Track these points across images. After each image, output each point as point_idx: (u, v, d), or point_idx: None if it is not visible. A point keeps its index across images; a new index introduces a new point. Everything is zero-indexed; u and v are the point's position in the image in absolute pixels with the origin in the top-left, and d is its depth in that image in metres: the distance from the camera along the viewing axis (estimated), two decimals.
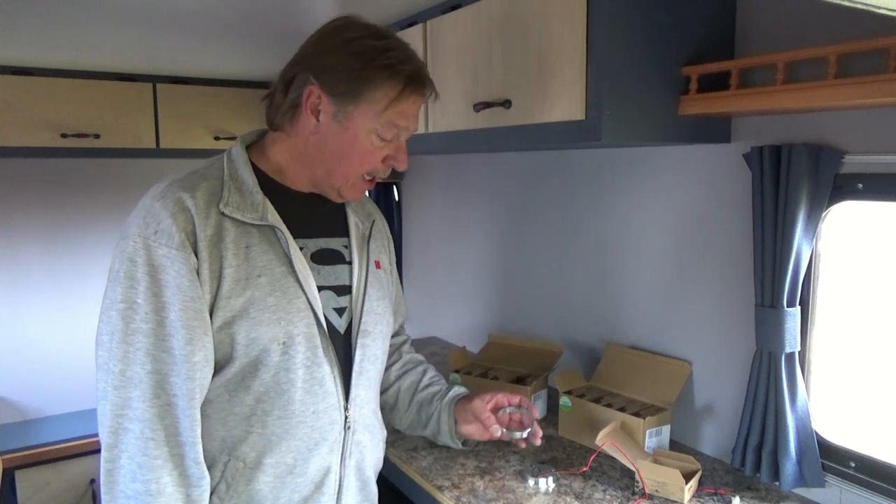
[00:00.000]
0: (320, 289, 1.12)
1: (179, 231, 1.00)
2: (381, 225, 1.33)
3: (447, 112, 1.57)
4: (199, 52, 2.19)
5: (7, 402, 2.76)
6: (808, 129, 1.25)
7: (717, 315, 1.47)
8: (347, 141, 1.09)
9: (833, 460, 1.28)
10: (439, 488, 1.33)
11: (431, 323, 2.55)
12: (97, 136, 2.48)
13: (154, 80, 2.60)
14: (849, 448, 1.26)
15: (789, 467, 1.27)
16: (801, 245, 1.22)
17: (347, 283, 1.17)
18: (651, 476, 1.29)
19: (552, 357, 1.79)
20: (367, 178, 1.15)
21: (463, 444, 1.34)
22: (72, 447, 2.55)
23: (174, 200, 1.02)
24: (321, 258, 1.15)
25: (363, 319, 1.17)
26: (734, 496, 1.29)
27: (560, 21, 1.23)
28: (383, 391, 1.38)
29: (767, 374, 1.28)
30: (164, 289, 0.99)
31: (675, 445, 1.54)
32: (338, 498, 1.16)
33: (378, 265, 1.25)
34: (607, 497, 1.30)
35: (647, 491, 1.29)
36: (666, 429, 1.49)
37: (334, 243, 1.19)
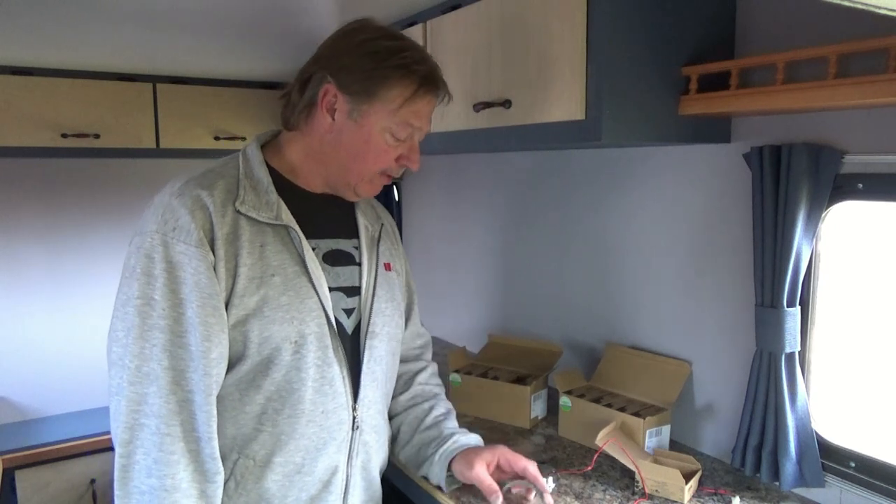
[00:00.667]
0: (331, 289, 1.13)
1: (198, 228, 1.01)
2: (390, 228, 1.34)
3: (447, 112, 1.57)
4: (199, 52, 2.19)
5: (7, 402, 2.76)
6: (808, 129, 1.25)
7: (717, 315, 1.47)
8: (362, 139, 1.10)
9: (833, 460, 1.28)
10: (439, 488, 1.33)
11: (431, 323, 2.55)
12: (97, 136, 2.47)
13: (154, 80, 2.60)
14: (849, 448, 1.26)
15: (789, 467, 1.27)
16: (801, 245, 1.22)
17: (357, 284, 1.19)
18: (651, 476, 1.29)
19: (552, 357, 1.79)
20: (382, 175, 1.16)
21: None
22: (72, 447, 2.55)
23: (192, 198, 1.03)
24: (332, 259, 1.16)
25: (371, 321, 1.18)
26: (734, 496, 1.29)
27: (560, 21, 1.23)
28: (388, 419, 1.35)
29: (767, 374, 1.28)
30: (181, 285, 1.00)
31: (675, 445, 1.54)
32: (344, 497, 1.17)
33: (388, 267, 1.26)
34: (607, 497, 1.30)
35: (647, 491, 1.29)
36: (666, 429, 1.49)
37: (345, 244, 1.20)
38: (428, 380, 1.42)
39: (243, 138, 2.71)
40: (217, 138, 2.68)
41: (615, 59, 1.18)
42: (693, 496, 1.30)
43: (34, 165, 2.75)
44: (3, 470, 2.42)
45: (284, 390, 1.08)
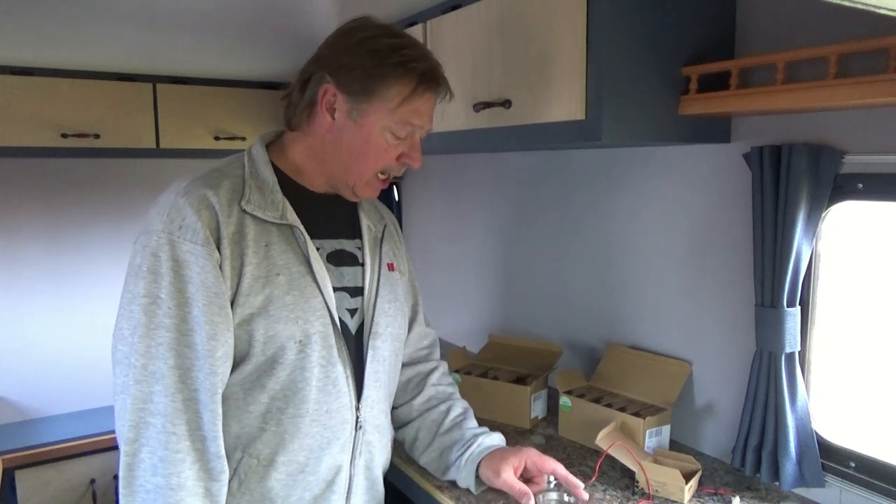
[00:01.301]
0: (335, 289, 1.13)
1: (204, 227, 1.01)
2: (393, 228, 1.34)
3: (447, 112, 1.57)
4: (199, 52, 2.19)
5: (7, 402, 2.76)
6: (808, 129, 1.25)
7: (717, 315, 1.47)
8: (362, 139, 1.10)
9: (833, 460, 1.28)
10: (439, 488, 1.33)
11: (432, 323, 2.54)
12: (97, 136, 2.47)
13: (154, 80, 2.60)
14: (849, 448, 1.26)
15: (789, 467, 1.27)
16: (801, 245, 1.22)
17: (360, 284, 1.19)
18: (651, 476, 1.29)
19: (552, 357, 1.79)
20: (382, 176, 1.16)
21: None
22: (72, 447, 2.55)
23: (198, 197, 1.04)
24: (336, 259, 1.17)
25: (374, 321, 1.19)
26: (734, 496, 1.29)
27: (560, 21, 1.23)
28: (404, 424, 1.36)
29: (767, 374, 1.28)
30: (187, 284, 1.00)
31: (675, 445, 1.54)
32: (347, 496, 1.17)
33: (391, 268, 1.26)
34: (607, 497, 1.30)
35: (650, 492, 1.29)
36: (666, 429, 1.49)
37: (348, 245, 1.20)
38: (440, 380, 1.41)
39: (243, 138, 2.71)
40: (217, 138, 2.68)
41: (615, 59, 1.18)
42: (693, 496, 1.30)
43: (34, 165, 2.75)
44: (3, 470, 2.42)
45: (289, 390, 1.08)
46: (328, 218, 1.19)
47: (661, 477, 1.28)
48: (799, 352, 1.27)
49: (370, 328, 1.18)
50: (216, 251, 1.02)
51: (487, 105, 1.39)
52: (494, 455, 1.25)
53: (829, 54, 1.04)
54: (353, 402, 1.15)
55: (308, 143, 1.15)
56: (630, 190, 1.66)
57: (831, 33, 1.13)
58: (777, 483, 1.30)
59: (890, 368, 1.28)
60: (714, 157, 1.44)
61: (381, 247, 1.25)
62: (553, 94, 1.26)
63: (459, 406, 1.37)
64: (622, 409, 1.49)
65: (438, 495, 1.32)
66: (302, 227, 1.10)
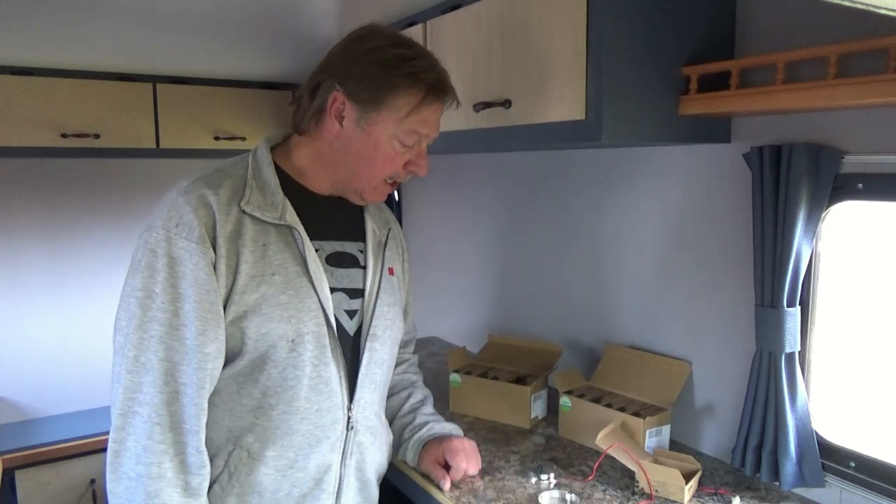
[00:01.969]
0: (333, 290, 1.14)
1: (200, 225, 1.03)
2: (397, 233, 1.36)
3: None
4: (199, 52, 2.19)
5: (7, 402, 2.76)
6: (808, 129, 1.25)
7: (717, 315, 1.47)
8: (370, 146, 1.12)
9: (833, 460, 1.28)
10: (439, 488, 1.33)
11: (431, 323, 2.55)
12: (97, 136, 2.47)
13: (154, 80, 2.60)
14: (849, 448, 1.26)
15: (789, 467, 1.27)
16: (801, 245, 1.22)
17: (360, 286, 1.20)
18: (651, 476, 1.29)
19: (552, 357, 1.79)
20: (389, 181, 1.18)
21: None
22: (72, 447, 2.55)
23: (197, 196, 1.06)
24: (336, 261, 1.18)
25: (373, 323, 1.20)
26: (734, 496, 1.29)
27: (560, 21, 1.23)
28: None
29: (767, 374, 1.28)
30: (180, 280, 1.02)
31: (675, 445, 1.54)
32: (337, 496, 1.18)
33: (391, 272, 1.28)
34: (607, 497, 1.30)
35: (651, 492, 1.29)
36: (666, 429, 1.49)
37: (350, 247, 1.21)
38: (406, 369, 1.48)
39: (243, 138, 2.71)
40: (217, 138, 2.68)
41: (615, 59, 1.18)
42: (693, 496, 1.30)
43: (34, 165, 2.75)
44: (3, 470, 2.42)
45: (280, 386, 1.09)
46: (331, 220, 1.20)
47: (661, 477, 1.28)
48: (799, 352, 1.27)
49: (368, 330, 1.19)
50: (211, 250, 1.04)
51: (487, 105, 1.39)
52: (432, 443, 1.36)
53: (829, 54, 1.04)
54: (345, 403, 1.16)
55: (315, 147, 1.17)
56: (630, 190, 1.66)
57: (831, 33, 1.13)
58: (777, 483, 1.30)
59: (890, 368, 1.28)
60: (714, 157, 1.44)
61: (384, 251, 1.26)
62: (553, 94, 1.26)
63: (419, 393, 1.46)
64: (622, 409, 1.49)
65: (438, 495, 1.32)
66: (300, 228, 1.12)
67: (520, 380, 1.70)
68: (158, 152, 2.61)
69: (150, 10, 1.67)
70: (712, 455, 1.50)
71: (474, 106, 1.41)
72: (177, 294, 1.02)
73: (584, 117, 1.20)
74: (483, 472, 1.40)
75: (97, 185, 2.88)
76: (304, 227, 1.12)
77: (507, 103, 1.35)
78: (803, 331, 1.29)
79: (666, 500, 1.29)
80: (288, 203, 1.12)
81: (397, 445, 1.40)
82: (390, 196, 2.71)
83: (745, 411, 1.33)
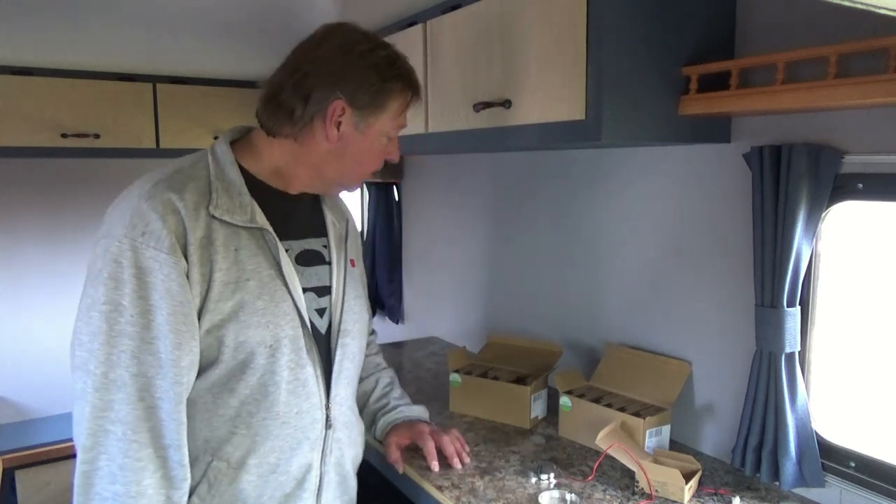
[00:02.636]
0: (303, 290, 1.13)
1: (169, 234, 0.99)
2: (353, 223, 1.36)
3: (447, 112, 1.57)
4: (199, 52, 2.19)
5: (7, 402, 2.77)
6: (808, 129, 1.25)
7: (717, 315, 1.47)
8: (366, 147, 1.14)
9: (833, 460, 1.28)
10: (439, 488, 1.33)
11: (431, 323, 2.55)
12: (97, 136, 2.48)
13: (154, 80, 2.61)
14: (849, 448, 1.26)
15: (789, 467, 1.27)
16: (801, 245, 1.22)
17: (327, 283, 1.20)
18: (651, 476, 1.29)
19: (552, 357, 1.79)
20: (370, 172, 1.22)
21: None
22: (72, 447, 2.54)
23: (163, 202, 1.01)
24: (304, 259, 1.17)
25: (343, 318, 1.20)
26: (734, 496, 1.29)
27: (560, 21, 1.23)
28: None
29: (767, 374, 1.28)
30: (151, 291, 0.98)
31: (675, 445, 1.54)
32: (318, 494, 1.18)
33: (353, 263, 1.28)
34: (607, 497, 1.30)
35: (651, 493, 1.29)
36: (666, 429, 1.49)
37: (315, 244, 1.21)
38: (370, 353, 1.49)
39: None
40: (217, 138, 2.68)
41: (615, 59, 1.18)
42: (693, 496, 1.30)
43: (34, 165, 2.76)
44: (3, 470, 2.42)
45: (259, 393, 1.08)
46: (295, 218, 1.19)
47: (661, 477, 1.28)
48: (799, 352, 1.27)
49: (340, 326, 1.19)
50: (183, 259, 1.00)
51: (487, 105, 1.39)
52: (401, 425, 1.42)
53: (829, 54, 1.04)
54: (323, 402, 1.16)
55: (296, 149, 1.14)
56: (629, 190, 1.66)
57: (831, 33, 1.13)
58: (777, 483, 1.30)
59: (890, 368, 1.28)
60: (714, 157, 1.44)
61: (345, 244, 1.26)
62: (553, 94, 1.26)
63: (386, 376, 1.50)
64: (622, 409, 1.49)
65: (438, 495, 1.32)
66: (272, 230, 1.10)
67: (520, 380, 1.70)
68: (158, 152, 2.61)
69: (150, 10, 1.67)
70: (712, 455, 1.50)
71: (474, 106, 1.41)
72: (147, 306, 0.98)
73: (584, 117, 1.20)
74: (483, 472, 1.40)
75: (97, 185, 2.88)
76: (273, 228, 1.10)
77: (507, 103, 1.35)
78: (803, 331, 1.29)
79: (666, 500, 1.29)
80: (255, 204, 1.10)
81: (369, 426, 1.45)
82: (390, 195, 2.71)
83: (745, 411, 1.33)
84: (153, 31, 1.90)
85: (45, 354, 2.79)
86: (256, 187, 1.12)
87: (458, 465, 1.40)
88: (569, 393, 1.59)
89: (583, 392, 1.61)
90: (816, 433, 1.28)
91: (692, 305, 1.52)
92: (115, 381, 0.98)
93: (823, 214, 1.23)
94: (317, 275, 1.18)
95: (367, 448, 1.62)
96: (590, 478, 1.37)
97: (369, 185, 2.79)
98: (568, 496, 1.28)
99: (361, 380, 1.44)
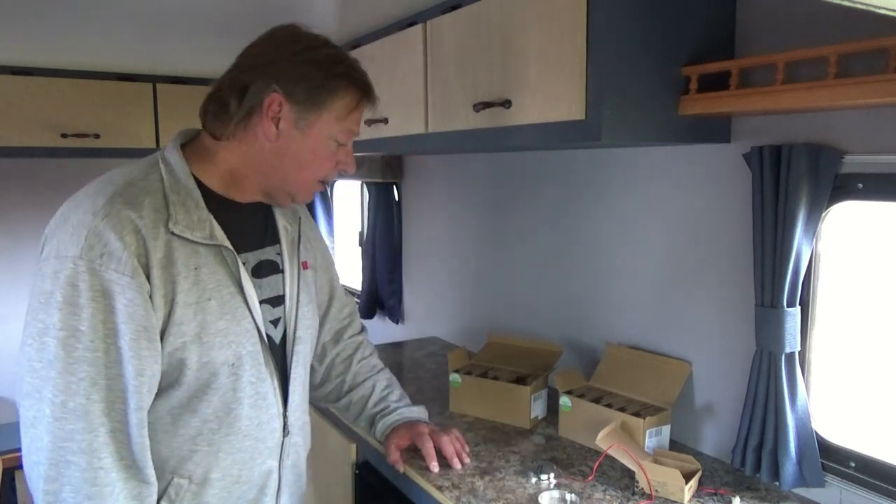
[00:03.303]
0: (259, 303, 1.12)
1: (131, 256, 0.95)
2: (306, 219, 1.33)
3: (447, 112, 1.57)
4: (199, 52, 2.19)
5: (7, 402, 2.76)
6: (808, 129, 1.25)
7: (717, 315, 1.47)
8: (308, 148, 1.10)
9: (833, 460, 1.28)
10: (439, 488, 1.33)
11: (431, 323, 2.55)
12: (97, 136, 2.48)
13: (154, 80, 2.60)
14: (849, 448, 1.26)
15: (789, 467, 1.27)
16: (801, 245, 1.22)
17: (280, 292, 1.18)
18: (651, 476, 1.29)
19: (552, 357, 1.79)
20: (320, 181, 1.16)
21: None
22: None
23: (121, 220, 0.96)
24: (259, 271, 1.15)
25: (298, 326, 1.19)
26: (734, 496, 1.29)
27: (560, 21, 1.23)
28: (336, 400, 1.46)
29: (767, 374, 1.28)
30: (112, 315, 0.94)
31: (675, 445, 1.54)
32: (277, 496, 1.20)
33: (305, 266, 1.25)
34: (607, 497, 1.30)
35: (651, 493, 1.29)
36: (666, 429, 1.49)
37: (269, 253, 1.18)
38: (363, 353, 1.47)
39: None
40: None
41: (615, 59, 1.18)
42: (693, 496, 1.30)
43: (34, 165, 2.76)
44: (3, 470, 2.42)
45: (221, 412, 1.07)
46: (250, 229, 1.16)
47: (661, 477, 1.28)
48: (799, 352, 1.27)
49: (294, 335, 1.18)
50: (146, 282, 0.96)
51: (487, 105, 1.39)
52: (401, 426, 1.41)
53: (829, 54, 1.04)
54: (281, 411, 1.16)
55: (243, 151, 1.09)
56: (630, 190, 1.66)
57: (831, 33, 1.13)
58: (777, 483, 1.30)
59: (890, 368, 1.28)
60: (714, 157, 1.44)
61: (298, 248, 1.23)
62: (553, 94, 1.26)
63: (383, 379, 1.47)
64: (622, 409, 1.49)
65: (438, 495, 1.32)
66: (231, 247, 1.07)
67: (520, 380, 1.70)
68: None
69: (150, 10, 1.67)
70: (712, 455, 1.50)
71: (474, 106, 1.41)
72: (108, 330, 0.94)
73: (584, 117, 1.20)
74: (483, 472, 1.40)
75: None
76: (230, 242, 1.07)
77: (507, 103, 1.35)
78: (803, 331, 1.29)
79: (666, 500, 1.29)
80: (213, 219, 1.06)
81: (370, 428, 1.45)
82: (390, 195, 2.71)
83: (745, 411, 1.33)
84: (153, 31, 1.90)
85: None
86: (212, 199, 1.08)
87: (458, 466, 1.40)
88: (569, 393, 1.59)
89: (583, 392, 1.61)
90: (816, 433, 1.28)
91: (692, 305, 1.52)
92: (75, 410, 0.94)
93: (823, 214, 1.23)
94: (270, 285, 1.16)
95: (367, 448, 1.63)
96: (590, 478, 1.37)
97: (369, 185, 2.79)
98: (568, 496, 1.28)
99: (358, 384, 1.44)
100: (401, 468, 1.40)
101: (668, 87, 1.26)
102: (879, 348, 1.29)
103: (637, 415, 1.46)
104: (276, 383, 1.14)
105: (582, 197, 1.81)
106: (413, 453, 1.42)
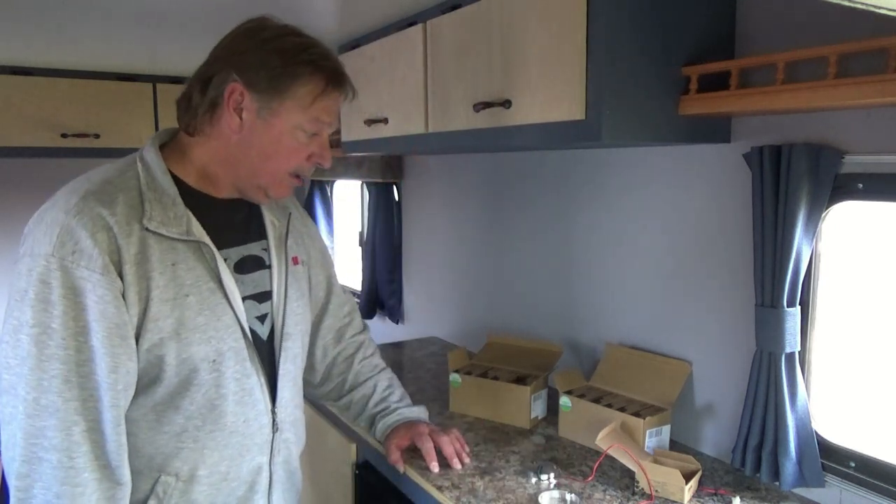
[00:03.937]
0: (243, 300, 1.11)
1: (102, 253, 0.95)
2: (298, 214, 1.32)
3: (447, 112, 1.57)
4: (199, 52, 2.19)
5: None
6: (808, 129, 1.25)
7: (717, 315, 1.47)
8: (273, 138, 1.07)
9: (833, 460, 1.28)
10: (439, 488, 1.33)
11: (431, 323, 2.55)
12: (97, 136, 2.48)
13: (154, 80, 2.60)
14: (849, 448, 1.26)
15: (789, 467, 1.27)
16: (801, 245, 1.22)
17: (268, 288, 1.17)
18: (651, 476, 1.29)
19: (552, 357, 1.79)
20: (293, 175, 1.12)
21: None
22: None
23: (93, 218, 0.96)
24: (243, 267, 1.14)
25: (286, 322, 1.18)
26: (734, 496, 1.29)
27: (560, 21, 1.23)
28: (337, 399, 1.46)
29: (767, 374, 1.28)
30: (84, 312, 0.94)
31: (675, 445, 1.54)
32: (269, 493, 1.19)
33: (295, 261, 1.24)
34: (607, 497, 1.30)
35: (651, 493, 1.29)
36: (666, 429, 1.49)
37: (254, 248, 1.17)
38: (364, 353, 1.47)
39: None
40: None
41: (615, 59, 1.18)
42: (693, 496, 1.30)
43: (34, 165, 2.76)
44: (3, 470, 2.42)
45: (205, 408, 1.06)
46: (233, 224, 1.14)
47: (661, 477, 1.28)
48: (799, 352, 1.27)
49: (282, 330, 1.17)
50: (118, 279, 0.96)
51: (487, 105, 1.39)
52: (401, 426, 1.41)
53: (829, 54, 1.04)
54: (269, 407, 1.15)
55: (212, 146, 1.08)
56: (630, 190, 1.66)
57: (831, 33, 1.13)
58: (777, 483, 1.30)
59: (890, 368, 1.28)
60: (714, 157, 1.44)
61: (286, 243, 1.22)
62: (553, 94, 1.26)
63: (384, 378, 1.47)
64: (622, 409, 1.49)
65: (438, 495, 1.32)
66: (210, 242, 1.06)
67: (520, 380, 1.70)
68: None
69: (150, 10, 1.67)
70: (712, 455, 1.50)
71: (474, 106, 1.41)
72: (79, 328, 0.94)
73: (584, 117, 1.20)
74: (483, 472, 1.40)
75: None
76: (210, 237, 1.06)
77: (507, 103, 1.35)
78: (803, 331, 1.29)
79: (666, 500, 1.29)
80: (191, 215, 1.05)
81: (370, 427, 1.45)
82: (390, 195, 2.71)
83: (745, 411, 1.33)
84: (153, 31, 1.90)
85: None
86: (189, 195, 1.07)
87: (458, 466, 1.40)
88: (569, 393, 1.59)
89: (583, 392, 1.61)
90: (816, 433, 1.28)
91: (692, 305, 1.52)
92: (46, 406, 0.94)
93: (823, 214, 1.23)
94: (255, 281, 1.15)
95: (367, 448, 1.63)
96: (590, 478, 1.37)
97: (369, 185, 2.79)
98: (568, 496, 1.28)
99: (360, 383, 1.44)
100: (401, 468, 1.40)
101: (668, 87, 1.26)
102: (879, 348, 1.29)
103: (637, 415, 1.46)
104: (262, 379, 1.13)
105: (582, 197, 1.81)
106: (413, 453, 1.42)
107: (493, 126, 1.42)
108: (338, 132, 2.17)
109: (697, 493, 1.31)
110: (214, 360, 1.05)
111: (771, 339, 1.26)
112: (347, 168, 2.79)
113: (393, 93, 1.77)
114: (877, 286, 1.29)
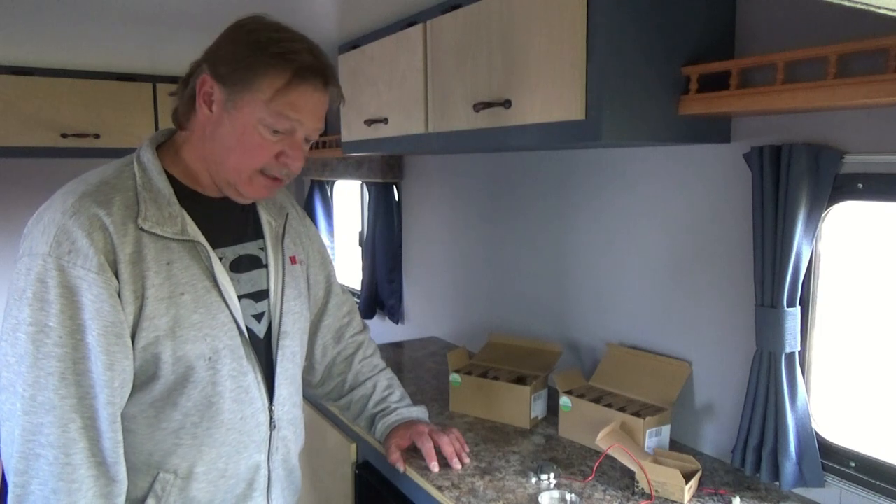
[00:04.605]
0: (239, 298, 1.11)
1: (98, 253, 0.96)
2: (296, 214, 1.32)
3: (447, 112, 1.57)
4: (199, 52, 2.19)
5: None
6: (808, 129, 1.25)
7: (717, 315, 1.47)
8: (237, 131, 1.04)
9: (833, 460, 1.28)
10: (439, 488, 1.33)
11: (431, 323, 2.55)
12: (97, 136, 2.48)
13: (154, 80, 2.60)
14: (849, 448, 1.26)
15: (789, 467, 1.27)
16: (801, 245, 1.22)
17: (264, 287, 1.17)
18: (651, 476, 1.29)
19: (552, 357, 1.79)
20: (266, 175, 1.09)
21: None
22: None
23: (89, 217, 0.97)
24: (239, 266, 1.14)
25: (283, 321, 1.18)
26: (734, 496, 1.29)
27: (560, 21, 1.23)
28: (337, 399, 1.47)
29: (767, 374, 1.28)
30: (80, 311, 0.95)
31: (675, 445, 1.54)
32: (268, 491, 1.19)
33: (293, 261, 1.25)
34: (607, 497, 1.30)
35: (651, 493, 1.29)
36: (666, 429, 1.49)
37: (251, 247, 1.17)
38: (365, 353, 1.48)
39: None
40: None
41: (615, 59, 1.18)
42: (693, 496, 1.30)
43: (34, 165, 2.76)
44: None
45: (202, 405, 1.07)
46: (228, 223, 1.14)
47: (661, 477, 1.28)
48: (799, 352, 1.27)
49: (279, 329, 1.17)
50: (113, 278, 0.96)
51: (487, 105, 1.39)
52: (401, 426, 1.42)
53: (829, 54, 1.04)
54: (266, 405, 1.15)
55: (193, 141, 1.09)
56: (630, 190, 1.66)
57: (831, 33, 1.13)
58: (777, 483, 1.30)
59: (890, 368, 1.28)
60: (714, 157, 1.44)
61: (283, 242, 1.22)
62: (553, 94, 1.26)
63: (384, 379, 1.48)
64: (622, 409, 1.49)
65: (438, 495, 1.32)
66: (204, 241, 1.06)
67: (520, 380, 1.70)
68: None
69: (150, 10, 1.67)
70: (712, 455, 1.50)
71: (474, 106, 1.41)
72: (76, 326, 0.95)
73: (584, 117, 1.20)
74: (483, 472, 1.40)
75: None
76: (205, 237, 1.07)
77: (507, 103, 1.35)
78: (803, 331, 1.29)
79: (666, 500, 1.29)
80: (186, 214, 1.05)
81: (370, 427, 1.46)
82: (390, 195, 2.71)
83: (745, 411, 1.33)
84: (153, 31, 1.90)
85: None
86: (185, 195, 1.08)
87: (458, 466, 1.40)
88: (569, 393, 1.59)
89: (583, 392, 1.61)
90: (816, 433, 1.28)
91: (692, 305, 1.53)
92: (43, 404, 0.95)
93: (823, 214, 1.23)
94: (252, 280, 1.15)
95: (367, 448, 1.63)
96: (590, 478, 1.37)
97: (369, 185, 2.79)
98: (568, 496, 1.29)
99: (360, 383, 1.44)
100: (402, 468, 1.40)
101: (668, 87, 1.26)
102: (879, 348, 1.29)
103: (637, 415, 1.46)
104: (259, 377, 1.13)
105: (582, 197, 1.81)
106: (413, 453, 1.42)
107: (493, 126, 1.43)
108: (337, 133, 2.17)
109: (697, 493, 1.31)
110: (210, 358, 1.05)
111: (771, 339, 1.26)
112: (347, 168, 2.79)
113: (393, 93, 1.77)
114: (877, 286, 1.29)
